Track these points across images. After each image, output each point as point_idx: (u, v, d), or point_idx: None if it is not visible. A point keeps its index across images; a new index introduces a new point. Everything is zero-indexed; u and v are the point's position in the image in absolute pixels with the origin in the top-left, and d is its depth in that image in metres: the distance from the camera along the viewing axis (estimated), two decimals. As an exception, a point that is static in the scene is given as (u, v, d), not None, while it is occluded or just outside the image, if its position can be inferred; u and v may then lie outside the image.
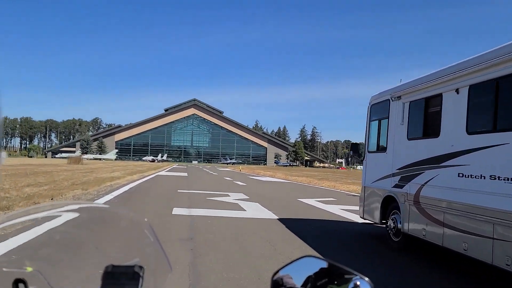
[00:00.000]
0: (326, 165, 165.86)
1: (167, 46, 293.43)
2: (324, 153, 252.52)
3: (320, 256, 0.93)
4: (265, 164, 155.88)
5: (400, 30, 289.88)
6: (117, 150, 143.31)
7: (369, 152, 9.87)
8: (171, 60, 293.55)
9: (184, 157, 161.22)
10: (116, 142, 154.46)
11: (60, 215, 0.87)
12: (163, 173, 33.62)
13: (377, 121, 9.57)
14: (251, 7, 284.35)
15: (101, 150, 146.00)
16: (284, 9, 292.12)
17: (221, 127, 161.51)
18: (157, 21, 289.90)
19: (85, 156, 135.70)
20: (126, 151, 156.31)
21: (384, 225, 8.64)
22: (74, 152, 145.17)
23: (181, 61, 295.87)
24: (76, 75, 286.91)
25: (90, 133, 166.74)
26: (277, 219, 11.01)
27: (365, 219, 9.70)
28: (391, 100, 8.79)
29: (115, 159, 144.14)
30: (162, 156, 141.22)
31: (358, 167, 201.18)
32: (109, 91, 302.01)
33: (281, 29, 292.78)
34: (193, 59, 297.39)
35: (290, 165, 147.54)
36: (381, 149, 9.24)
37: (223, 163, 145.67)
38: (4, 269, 0.77)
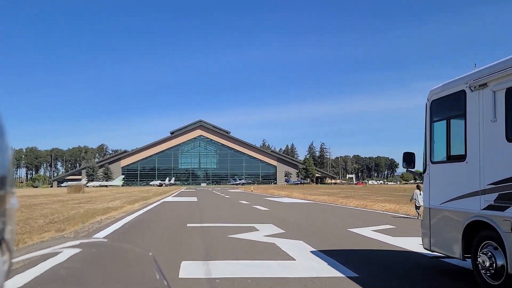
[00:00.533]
0: (338, 181, 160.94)
1: (171, 69, 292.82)
2: (334, 169, 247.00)
3: None
4: (275, 183, 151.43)
5: (402, 43, 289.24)
6: (123, 176, 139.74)
7: (433, 162, 7.66)
8: (175, 83, 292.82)
9: (192, 179, 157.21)
10: (122, 167, 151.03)
11: (62, 251, 0.87)
12: (169, 199, 29.66)
13: (444, 121, 7.48)
14: (255, 29, 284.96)
15: (107, 176, 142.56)
16: (286, 29, 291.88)
17: (229, 147, 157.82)
18: (160, 43, 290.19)
19: (91, 183, 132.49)
20: (133, 176, 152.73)
21: (471, 262, 6.34)
22: (80, 180, 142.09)
23: (185, 84, 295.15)
24: (79, 102, 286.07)
25: (96, 160, 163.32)
26: (354, 277, 6.66)
27: (433, 251, 7.41)
28: (469, 91, 6.62)
29: (122, 185, 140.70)
30: (169, 180, 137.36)
31: (370, 181, 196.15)
32: (114, 117, 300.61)
33: (283, 49, 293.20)
34: (197, 81, 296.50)
35: (301, 183, 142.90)
36: (455, 157, 7.14)
37: (232, 184, 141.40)
38: None
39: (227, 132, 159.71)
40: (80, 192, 41.65)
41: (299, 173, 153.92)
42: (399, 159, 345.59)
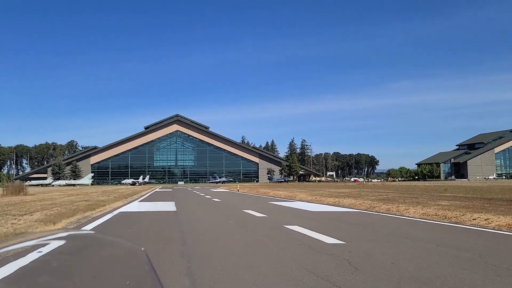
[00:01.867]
0: (323, 179, 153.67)
1: (146, 64, 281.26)
2: (315, 166, 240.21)
3: None
4: (257, 181, 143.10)
5: (381, 42, 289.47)
6: (92, 174, 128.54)
7: None
8: (152, 82, 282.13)
9: (168, 177, 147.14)
10: (92, 165, 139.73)
11: (50, 243, 0.86)
12: (134, 205, 20.08)
13: None
14: (231, 27, 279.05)
15: (75, 175, 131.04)
16: (265, 26, 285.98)
17: (208, 143, 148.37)
18: (136, 39, 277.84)
19: (57, 182, 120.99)
20: (104, 174, 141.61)
21: None
22: (45, 178, 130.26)
23: (162, 82, 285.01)
24: (48, 96, 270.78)
25: (62, 157, 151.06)
26: None
27: None
28: None
29: (92, 184, 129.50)
30: (144, 178, 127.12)
31: (354, 178, 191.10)
32: (85, 113, 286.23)
33: (261, 47, 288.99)
34: (174, 78, 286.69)
35: (285, 180, 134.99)
36: None
37: (211, 182, 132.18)
38: None
39: (205, 127, 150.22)
40: (21, 193, 31.90)
41: (283, 171, 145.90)
42: (379, 156, 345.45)
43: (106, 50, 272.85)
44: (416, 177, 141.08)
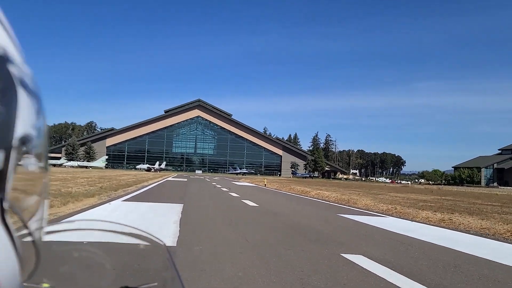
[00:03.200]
0: (351, 177, 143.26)
1: (174, 51, 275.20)
2: (338, 163, 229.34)
3: None
4: (280, 174, 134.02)
5: (412, 40, 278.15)
6: (107, 157, 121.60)
7: None
8: (176, 71, 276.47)
9: (186, 165, 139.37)
10: (107, 147, 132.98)
11: (70, 233, 0.88)
12: (107, 209, 11.73)
13: None
14: (258, 19, 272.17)
15: (89, 156, 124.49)
16: (294, 20, 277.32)
17: (229, 131, 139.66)
18: (161, 31, 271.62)
19: (69, 163, 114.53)
20: (119, 158, 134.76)
21: None
22: (59, 158, 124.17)
23: (186, 71, 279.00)
24: (71, 76, 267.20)
25: (78, 137, 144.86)
26: None
27: None
28: None
29: (106, 167, 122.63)
30: (160, 165, 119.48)
31: (383, 179, 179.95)
32: (107, 96, 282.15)
33: (288, 40, 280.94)
34: (198, 68, 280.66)
35: (310, 176, 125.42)
36: None
37: (231, 173, 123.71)
38: (23, 284, 0.70)
39: (228, 115, 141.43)
40: None
41: (307, 165, 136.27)
42: (406, 156, 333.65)
43: (133, 36, 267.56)
44: (452, 182, 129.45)
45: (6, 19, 0.40)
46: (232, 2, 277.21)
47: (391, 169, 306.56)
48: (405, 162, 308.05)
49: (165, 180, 41.44)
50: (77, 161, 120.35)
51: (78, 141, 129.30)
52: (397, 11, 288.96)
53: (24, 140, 0.40)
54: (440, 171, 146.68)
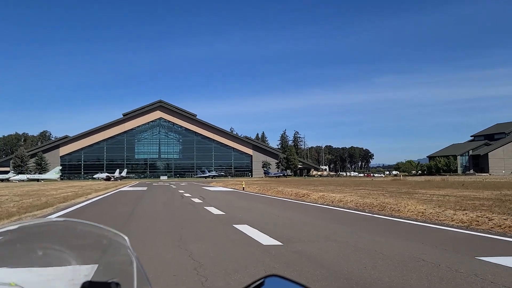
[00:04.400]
0: (324, 173, 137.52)
1: (128, 54, 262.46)
2: (308, 160, 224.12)
3: (288, 277, 0.87)
4: (251, 175, 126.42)
5: (365, 37, 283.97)
6: (60, 167, 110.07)
7: None
8: (134, 70, 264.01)
9: (150, 172, 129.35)
10: (61, 157, 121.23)
11: (42, 229, 0.87)
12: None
13: None
14: (221, 20, 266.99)
15: (41, 168, 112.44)
16: (253, 20, 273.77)
17: (195, 132, 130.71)
18: (120, 29, 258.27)
19: (17, 177, 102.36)
20: (76, 168, 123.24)
21: None
22: (7, 172, 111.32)
23: (146, 71, 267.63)
24: (21, 84, 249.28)
25: (27, 148, 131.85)
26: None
27: None
28: None
29: (61, 179, 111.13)
30: (120, 173, 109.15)
31: (356, 173, 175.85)
32: (60, 102, 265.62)
33: (250, 40, 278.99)
34: (159, 68, 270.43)
35: (284, 175, 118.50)
36: None
37: (200, 176, 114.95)
38: None
39: (192, 115, 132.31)
40: None
41: (280, 164, 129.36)
42: (374, 150, 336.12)
43: (94, 41, 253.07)
44: (428, 172, 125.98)
45: None
46: (195, 3, 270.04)
47: (360, 163, 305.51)
48: (373, 156, 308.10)
49: (117, 191, 32.85)
50: (27, 174, 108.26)
51: (27, 152, 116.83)
52: (352, 11, 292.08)
53: None
54: (414, 162, 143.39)
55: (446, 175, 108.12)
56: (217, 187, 43.12)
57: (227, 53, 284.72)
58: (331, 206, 16.86)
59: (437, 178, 70.29)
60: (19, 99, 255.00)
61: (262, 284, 0.84)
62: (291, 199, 21.42)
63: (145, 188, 37.31)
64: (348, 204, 17.06)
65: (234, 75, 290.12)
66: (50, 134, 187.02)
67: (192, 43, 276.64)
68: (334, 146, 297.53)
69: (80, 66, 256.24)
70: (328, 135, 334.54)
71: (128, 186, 43.78)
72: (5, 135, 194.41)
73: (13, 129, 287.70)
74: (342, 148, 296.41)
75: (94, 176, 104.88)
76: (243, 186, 38.08)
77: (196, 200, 20.05)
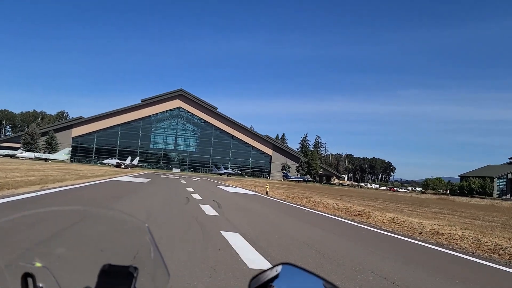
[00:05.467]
0: (347, 182, 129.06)
1: (151, 45, 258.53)
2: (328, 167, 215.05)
3: (301, 266, 0.90)
4: (268, 177, 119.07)
5: (393, 48, 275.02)
6: (70, 149, 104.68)
7: None
8: (156, 60, 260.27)
9: (163, 163, 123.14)
10: (73, 138, 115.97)
11: (66, 215, 0.91)
12: None
13: None
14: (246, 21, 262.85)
15: (51, 147, 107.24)
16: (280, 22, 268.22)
17: (214, 126, 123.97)
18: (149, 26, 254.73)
19: (23, 154, 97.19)
20: (87, 151, 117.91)
21: None
22: (17, 149, 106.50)
23: (168, 63, 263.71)
24: (43, 64, 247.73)
25: (39, 126, 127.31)
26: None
27: None
28: None
29: (71, 161, 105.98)
30: (132, 160, 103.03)
31: (376, 185, 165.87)
32: (81, 85, 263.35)
33: (275, 41, 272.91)
34: (182, 61, 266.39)
35: (304, 180, 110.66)
36: None
37: (214, 173, 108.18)
38: (14, 263, 0.81)
39: (213, 108, 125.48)
40: None
41: (300, 168, 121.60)
42: (396, 163, 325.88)
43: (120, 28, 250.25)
44: (459, 192, 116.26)
45: None
46: (224, 2, 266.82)
47: (380, 175, 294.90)
48: (395, 169, 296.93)
49: (110, 180, 25.84)
50: (36, 152, 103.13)
51: (39, 129, 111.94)
52: (383, 20, 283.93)
53: None
54: (443, 180, 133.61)
55: (482, 197, 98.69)
56: (234, 187, 35.92)
57: (251, 52, 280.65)
58: (432, 244, 9.36)
59: (488, 201, 61.50)
60: (40, 78, 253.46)
61: (277, 274, 0.87)
62: (347, 220, 13.95)
63: (146, 180, 30.30)
64: (462, 243, 9.57)
65: (256, 75, 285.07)
66: (68, 115, 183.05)
67: (217, 38, 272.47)
68: (355, 155, 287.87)
69: (108, 51, 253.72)
70: (345, 143, 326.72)
71: (129, 176, 36.92)
72: (23, 112, 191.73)
73: (31, 106, 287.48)
74: (363, 158, 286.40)
75: (103, 162, 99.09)
76: (267, 189, 30.81)
77: (208, 208, 12.74)
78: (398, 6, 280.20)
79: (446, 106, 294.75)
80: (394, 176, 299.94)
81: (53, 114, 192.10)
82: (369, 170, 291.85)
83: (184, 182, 35.49)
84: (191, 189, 23.46)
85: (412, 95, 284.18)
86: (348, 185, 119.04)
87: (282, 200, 23.08)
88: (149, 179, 32.94)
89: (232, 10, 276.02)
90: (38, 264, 0.82)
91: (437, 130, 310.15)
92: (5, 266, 0.82)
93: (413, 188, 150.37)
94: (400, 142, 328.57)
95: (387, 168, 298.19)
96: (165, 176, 50.43)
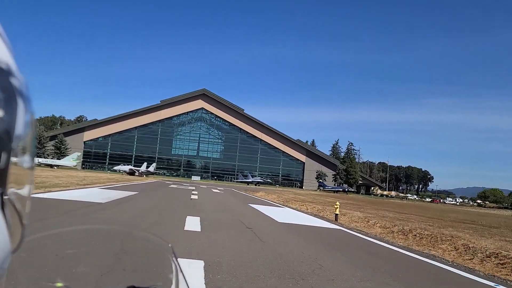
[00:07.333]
0: (392, 193, 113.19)
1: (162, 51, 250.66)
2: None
3: None
4: (301, 186, 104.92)
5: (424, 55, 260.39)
6: (79, 154, 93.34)
7: None
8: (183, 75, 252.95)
9: (184, 170, 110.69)
10: (85, 142, 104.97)
11: (90, 234, 0.90)
12: None
13: None
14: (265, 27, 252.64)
15: (60, 152, 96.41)
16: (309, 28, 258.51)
17: (240, 129, 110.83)
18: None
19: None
20: (100, 156, 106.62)
21: None
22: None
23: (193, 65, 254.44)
24: (60, 70, 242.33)
25: (47, 130, 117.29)
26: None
27: None
28: None
29: (81, 167, 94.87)
30: (148, 167, 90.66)
31: (414, 196, 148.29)
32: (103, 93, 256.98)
33: (305, 47, 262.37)
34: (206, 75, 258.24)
35: (344, 190, 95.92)
36: None
37: (241, 181, 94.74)
38: (37, 283, 0.81)
39: (239, 109, 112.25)
40: None
41: (338, 176, 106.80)
42: (434, 172, 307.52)
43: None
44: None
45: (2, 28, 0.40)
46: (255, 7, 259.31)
47: (417, 185, 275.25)
48: (432, 178, 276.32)
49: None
50: (44, 157, 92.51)
51: (48, 133, 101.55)
52: (414, 27, 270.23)
53: (19, 141, 0.44)
54: (500, 191, 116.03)
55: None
56: (275, 205, 22.37)
57: (278, 58, 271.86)
58: None
59: None
60: (59, 82, 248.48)
61: None
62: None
63: (134, 193, 17.10)
64: None
65: (282, 80, 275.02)
66: (86, 119, 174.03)
67: (247, 43, 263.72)
68: (389, 163, 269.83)
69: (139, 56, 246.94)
70: (374, 151, 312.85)
71: (119, 185, 23.77)
72: (42, 117, 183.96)
73: (49, 111, 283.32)
74: (398, 167, 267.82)
75: (114, 168, 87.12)
76: (336, 211, 17.20)
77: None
78: (428, 14, 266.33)
79: (482, 116, 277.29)
80: (431, 185, 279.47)
81: (72, 119, 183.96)
82: (405, 180, 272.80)
83: (196, 197, 22.02)
84: (202, 215, 9.99)
85: (441, 103, 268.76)
86: (393, 197, 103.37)
87: (386, 244, 9.36)
88: (136, 193, 19.60)
89: (259, 17, 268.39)
90: (59, 284, 0.82)
91: (470, 138, 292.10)
92: (27, 287, 0.82)
93: (464, 200, 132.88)
94: (435, 151, 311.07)
95: (424, 178, 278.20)
96: (175, 186, 37.21)
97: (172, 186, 36.31)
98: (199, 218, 11.09)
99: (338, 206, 17.66)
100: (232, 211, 15.12)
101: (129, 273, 0.98)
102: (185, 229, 8.72)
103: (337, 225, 14.51)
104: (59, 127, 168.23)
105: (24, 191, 0.47)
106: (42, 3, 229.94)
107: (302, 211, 20.51)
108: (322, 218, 17.58)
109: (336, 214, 17.33)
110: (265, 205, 21.85)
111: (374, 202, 45.25)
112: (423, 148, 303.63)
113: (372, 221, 16.81)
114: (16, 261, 0.55)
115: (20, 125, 0.44)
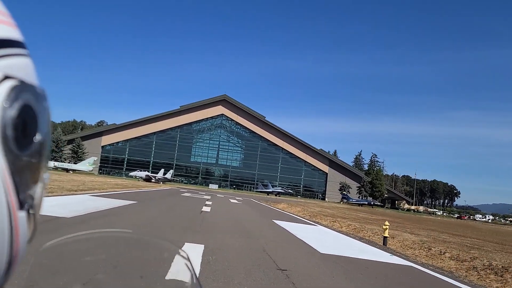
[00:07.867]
0: (420, 208, 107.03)
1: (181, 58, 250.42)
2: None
3: None
4: (323, 198, 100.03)
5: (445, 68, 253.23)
6: (95, 158, 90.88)
7: None
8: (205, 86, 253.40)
9: (202, 178, 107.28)
10: (103, 147, 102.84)
11: (107, 240, 0.92)
12: None
13: None
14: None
15: (77, 156, 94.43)
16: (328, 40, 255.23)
17: (261, 137, 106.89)
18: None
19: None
20: (117, 162, 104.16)
21: None
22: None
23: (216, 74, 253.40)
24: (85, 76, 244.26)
25: (65, 133, 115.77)
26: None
27: None
28: None
29: (98, 172, 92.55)
30: (165, 174, 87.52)
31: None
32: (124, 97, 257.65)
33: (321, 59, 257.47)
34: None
35: (370, 204, 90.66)
36: None
37: (261, 191, 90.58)
38: None
39: (261, 116, 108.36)
40: None
41: (363, 189, 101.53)
42: (460, 187, 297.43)
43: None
44: None
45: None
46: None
47: (443, 200, 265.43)
48: (459, 193, 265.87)
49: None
50: (61, 161, 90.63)
51: (65, 137, 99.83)
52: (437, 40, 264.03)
53: (40, 144, 0.47)
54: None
55: None
56: (304, 221, 18.26)
57: (297, 70, 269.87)
58: None
59: None
60: (79, 87, 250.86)
61: None
62: None
63: (129, 203, 13.43)
64: None
65: (301, 92, 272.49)
66: (106, 124, 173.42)
67: (270, 55, 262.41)
68: (413, 177, 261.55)
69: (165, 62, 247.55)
70: (396, 164, 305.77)
71: (120, 192, 20.18)
72: (63, 121, 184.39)
73: (71, 116, 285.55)
74: (423, 181, 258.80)
75: (130, 174, 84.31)
76: (385, 233, 12.95)
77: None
78: (453, 27, 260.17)
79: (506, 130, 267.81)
80: (458, 201, 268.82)
81: (92, 124, 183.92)
82: (430, 194, 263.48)
83: (207, 209, 18.14)
84: (189, 254, 6.04)
85: (462, 116, 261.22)
86: (422, 212, 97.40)
87: None
88: (133, 202, 15.84)
89: (282, 29, 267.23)
90: None
91: (495, 153, 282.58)
92: None
93: (494, 218, 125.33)
94: (460, 165, 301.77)
95: (450, 192, 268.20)
96: (188, 194, 33.46)
97: (185, 194, 32.56)
98: (202, 246, 7.19)
99: (387, 227, 13.50)
100: (253, 234, 11.15)
101: (146, 279, 1.04)
102: (166, 277, 4.86)
103: (400, 257, 10.38)
104: (79, 131, 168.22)
105: (38, 192, 0.51)
106: (68, 13, 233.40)
107: (338, 231, 16.46)
108: (369, 242, 13.49)
109: (385, 237, 13.28)
110: (292, 221, 17.84)
111: (410, 218, 40.53)
112: (448, 162, 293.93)
113: (435, 248, 12.70)
114: (35, 268, 0.57)
115: (42, 129, 0.47)
